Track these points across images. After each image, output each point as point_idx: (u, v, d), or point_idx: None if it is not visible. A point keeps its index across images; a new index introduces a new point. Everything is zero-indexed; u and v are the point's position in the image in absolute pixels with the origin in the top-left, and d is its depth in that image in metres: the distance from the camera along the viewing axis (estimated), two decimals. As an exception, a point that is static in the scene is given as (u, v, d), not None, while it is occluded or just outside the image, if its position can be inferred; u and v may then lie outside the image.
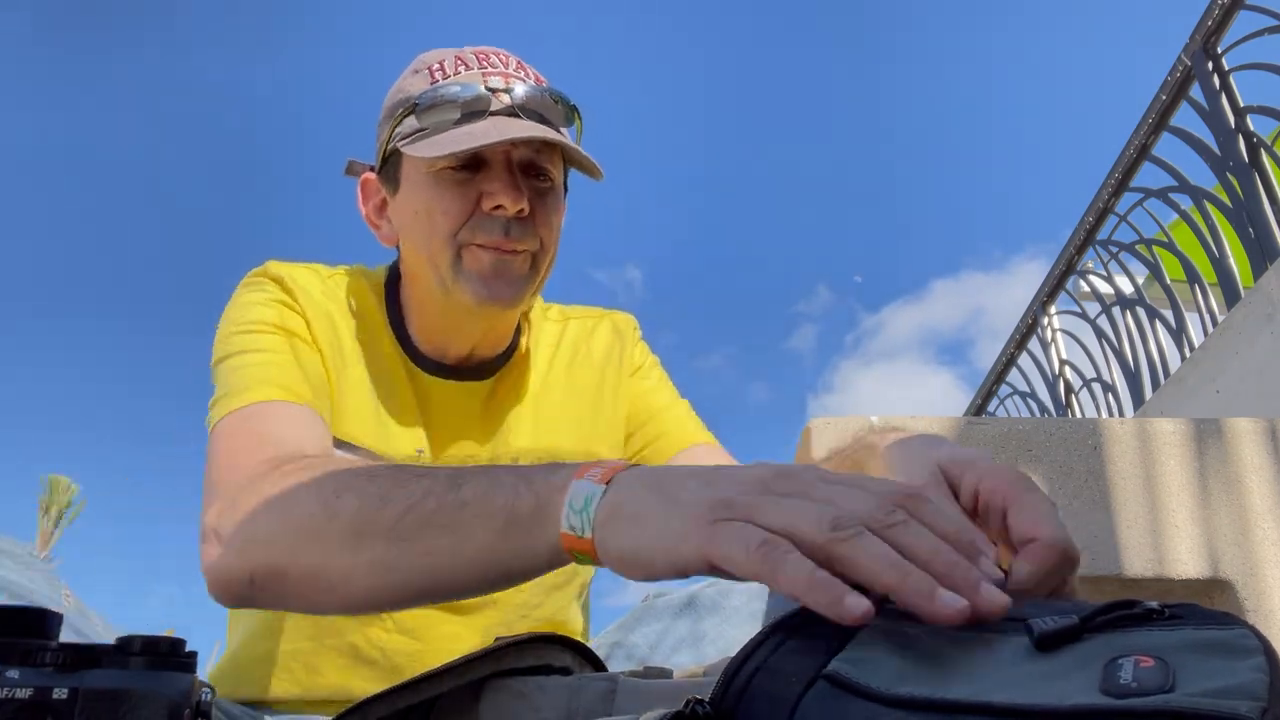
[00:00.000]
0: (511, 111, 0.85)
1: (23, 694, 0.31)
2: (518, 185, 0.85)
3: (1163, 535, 1.32)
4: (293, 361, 0.85)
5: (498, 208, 0.85)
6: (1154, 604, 0.39)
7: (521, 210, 0.85)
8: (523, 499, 0.52)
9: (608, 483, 0.49)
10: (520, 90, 0.86)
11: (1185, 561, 1.30)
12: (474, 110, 0.85)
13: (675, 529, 0.44)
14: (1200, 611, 0.39)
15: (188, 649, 0.39)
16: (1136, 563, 1.29)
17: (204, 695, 0.37)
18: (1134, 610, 0.39)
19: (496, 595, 0.92)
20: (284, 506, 0.63)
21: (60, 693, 0.32)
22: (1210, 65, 3.02)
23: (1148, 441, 1.39)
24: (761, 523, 0.41)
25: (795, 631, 0.41)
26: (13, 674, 0.31)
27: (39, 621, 0.37)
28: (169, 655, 0.37)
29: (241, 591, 0.66)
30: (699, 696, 0.34)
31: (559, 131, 0.88)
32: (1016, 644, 0.38)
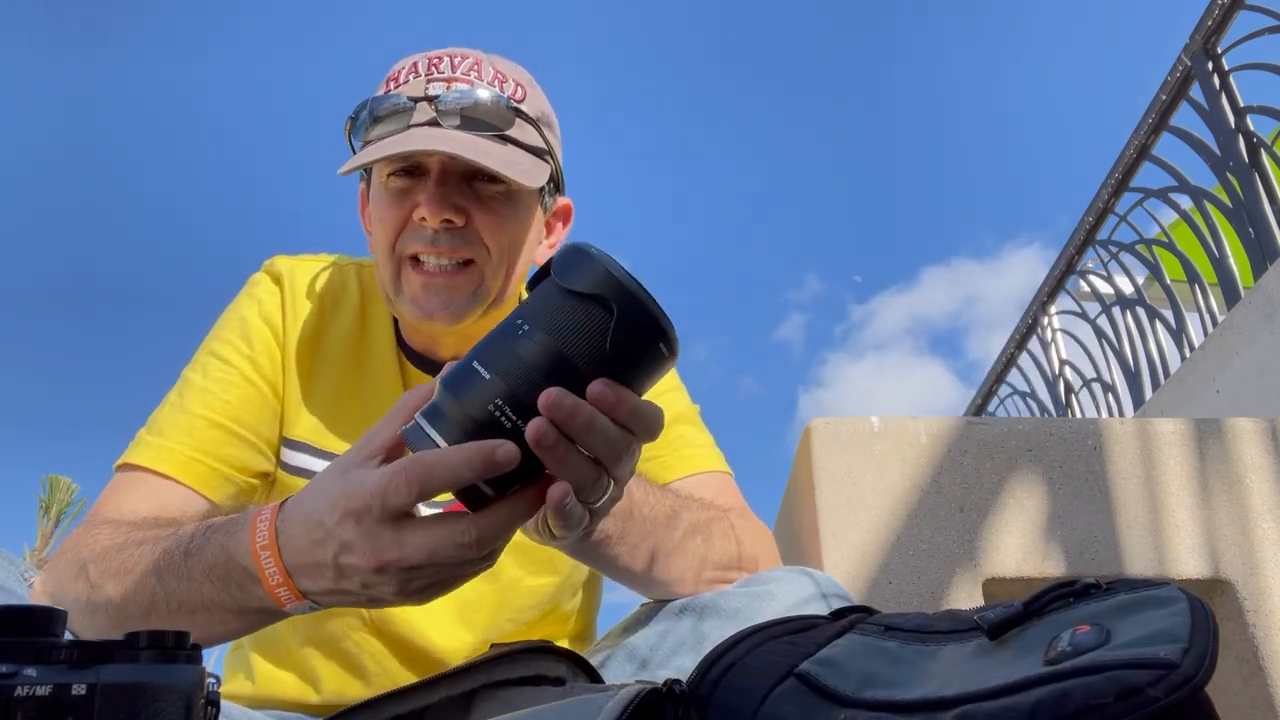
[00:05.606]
0: (434, 121, 0.83)
1: (42, 691, 0.31)
2: (442, 196, 0.83)
3: (1163, 535, 1.33)
4: (221, 412, 0.87)
5: (423, 219, 0.83)
6: (1091, 580, 0.42)
7: (448, 221, 0.83)
8: (238, 587, 0.58)
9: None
10: (450, 98, 0.83)
11: (1185, 561, 1.31)
12: (398, 123, 0.84)
13: None
14: (1134, 580, 0.42)
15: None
16: (1137, 563, 1.30)
17: (212, 685, 0.38)
18: (1073, 588, 0.41)
19: (506, 597, 0.93)
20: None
21: (79, 689, 0.32)
22: (1210, 65, 3.02)
23: (1148, 441, 1.39)
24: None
25: (774, 635, 0.43)
26: (30, 672, 0.32)
27: (46, 620, 0.37)
28: (176, 648, 0.38)
29: None
30: (676, 677, 0.36)
31: (502, 136, 0.85)
32: (975, 644, 0.40)
